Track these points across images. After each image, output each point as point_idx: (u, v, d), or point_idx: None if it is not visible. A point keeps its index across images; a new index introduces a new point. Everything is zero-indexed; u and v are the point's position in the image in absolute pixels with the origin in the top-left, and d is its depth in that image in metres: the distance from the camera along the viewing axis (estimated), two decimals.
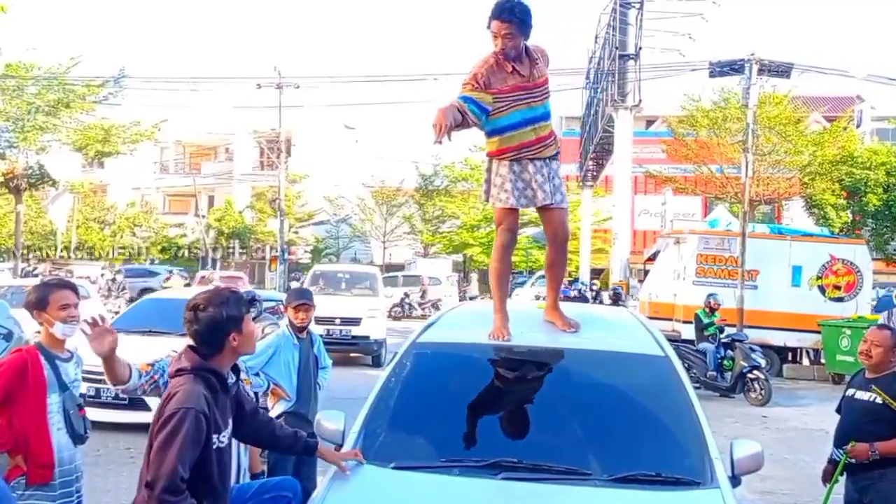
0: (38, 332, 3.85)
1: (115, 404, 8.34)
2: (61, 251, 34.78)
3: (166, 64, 62.78)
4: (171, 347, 3.61)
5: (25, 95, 28.89)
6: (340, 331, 14.78)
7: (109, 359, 3.29)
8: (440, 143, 3.64)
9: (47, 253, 35.75)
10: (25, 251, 33.02)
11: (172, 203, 51.50)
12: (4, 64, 22.97)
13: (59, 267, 27.66)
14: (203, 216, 44.50)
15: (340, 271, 18.80)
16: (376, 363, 14.80)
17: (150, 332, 9.26)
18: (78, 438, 3.65)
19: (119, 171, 41.77)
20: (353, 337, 14.95)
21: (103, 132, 31.85)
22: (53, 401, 3.57)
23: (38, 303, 3.66)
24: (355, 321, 14.88)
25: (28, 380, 3.51)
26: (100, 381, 6.97)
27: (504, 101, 3.96)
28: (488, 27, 3.93)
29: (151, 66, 70.35)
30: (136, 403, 7.92)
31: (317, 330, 6.18)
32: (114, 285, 24.62)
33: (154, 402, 7.34)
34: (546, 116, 4.12)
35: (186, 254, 44.64)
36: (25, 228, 33.99)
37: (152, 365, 3.34)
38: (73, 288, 3.78)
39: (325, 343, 13.96)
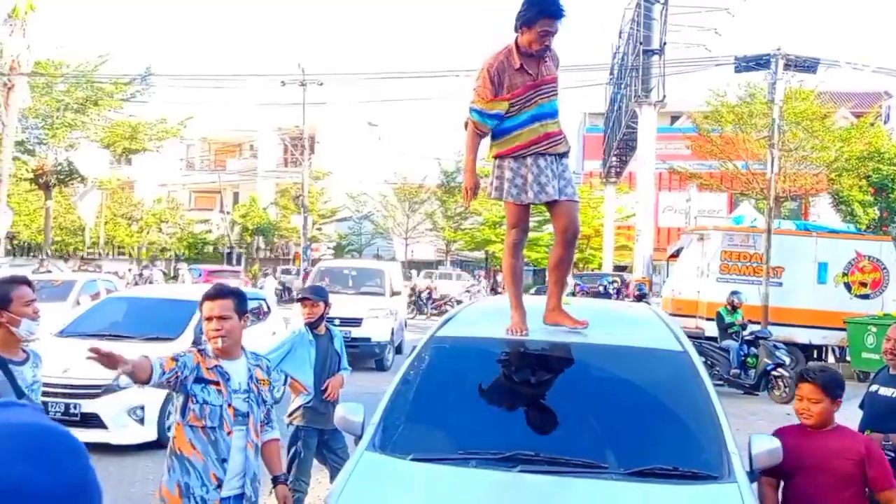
0: None
1: (64, 421, 7.30)
2: (90, 247, 35.29)
3: (192, 62, 63.43)
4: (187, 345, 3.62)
5: (54, 93, 29.37)
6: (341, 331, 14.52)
7: (127, 371, 3.22)
8: (468, 206, 3.85)
9: (75, 248, 36.30)
10: (55, 248, 33.55)
11: (198, 199, 52.02)
12: (34, 62, 23.31)
13: (87, 263, 28.10)
14: (228, 213, 44.90)
15: (346, 268, 17.51)
16: (380, 367, 14.05)
17: (110, 336, 8.40)
18: None
19: (146, 167, 42.27)
20: (353, 339, 13.37)
21: (130, 129, 32.30)
22: None
23: (1, 301, 3.44)
24: (355, 322, 13.66)
25: None
26: (48, 395, 6.57)
27: (515, 105, 4.00)
28: (529, 24, 3.89)
29: (177, 64, 71.07)
30: (89, 421, 7.39)
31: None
32: (141, 280, 24.94)
33: (116, 419, 7.37)
34: (554, 114, 4.12)
35: (212, 250, 45.13)
36: (55, 224, 34.55)
37: (176, 360, 3.31)
38: (31, 284, 3.65)
39: None
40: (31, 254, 34.73)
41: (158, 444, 7.76)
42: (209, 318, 3.40)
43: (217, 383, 3.36)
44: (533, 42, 3.92)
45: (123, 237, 40.82)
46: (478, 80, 4.04)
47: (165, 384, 3.30)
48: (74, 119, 30.09)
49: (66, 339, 8.27)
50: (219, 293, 3.49)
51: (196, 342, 7.87)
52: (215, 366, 3.39)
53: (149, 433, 7.76)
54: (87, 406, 7.47)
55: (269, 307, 11.36)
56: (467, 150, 4.08)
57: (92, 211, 32.21)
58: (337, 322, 13.92)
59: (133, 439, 7.64)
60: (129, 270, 27.11)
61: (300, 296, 5.56)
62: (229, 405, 3.36)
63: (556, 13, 3.87)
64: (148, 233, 42.45)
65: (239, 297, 3.53)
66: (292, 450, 5.29)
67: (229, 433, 3.35)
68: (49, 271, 19.84)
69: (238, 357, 3.50)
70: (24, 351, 3.60)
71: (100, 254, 35.86)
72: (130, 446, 7.63)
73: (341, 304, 13.82)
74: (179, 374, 3.29)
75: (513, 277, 4.23)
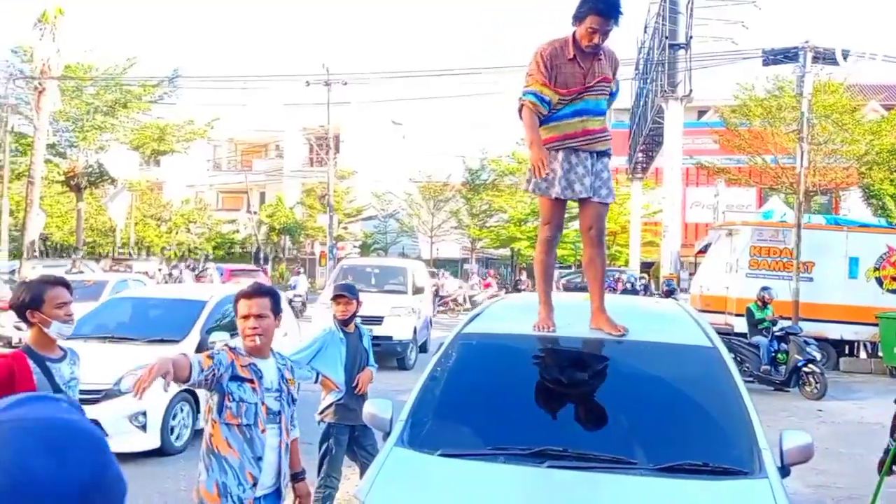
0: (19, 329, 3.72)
1: None
2: (120, 247, 35.76)
3: (219, 63, 63.94)
4: (222, 340, 3.66)
5: (84, 96, 29.80)
6: None
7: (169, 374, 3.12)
8: (541, 176, 3.83)
9: (107, 250, 36.80)
10: (88, 247, 34.03)
11: (225, 200, 52.51)
12: (64, 66, 23.67)
13: (118, 263, 28.49)
14: (255, 212, 45.26)
15: (369, 266, 17.49)
16: (402, 366, 14.02)
17: (113, 338, 8.33)
18: None
19: (174, 168, 42.74)
20: (375, 337, 13.02)
21: (159, 131, 32.69)
22: None
23: (33, 301, 3.45)
24: (377, 320, 13.35)
25: (16, 388, 3.18)
26: None
27: (564, 99, 3.99)
28: (580, 18, 3.88)
29: (204, 66, 71.70)
30: None
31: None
32: (171, 280, 25.23)
33: (117, 426, 7.02)
34: (598, 111, 4.07)
35: (239, 250, 45.52)
36: (86, 226, 35.05)
37: (213, 357, 3.31)
38: (68, 285, 3.67)
39: None
40: (64, 255, 35.25)
41: (160, 452, 7.58)
42: (246, 317, 3.40)
43: (252, 381, 3.36)
44: (583, 37, 3.90)
45: (153, 238, 41.31)
46: (531, 66, 4.01)
47: (204, 383, 3.29)
48: (104, 121, 30.52)
49: (66, 343, 8.16)
50: (256, 292, 3.51)
51: (202, 345, 7.85)
52: (249, 363, 3.39)
53: (151, 440, 7.49)
54: (87, 412, 7.33)
55: (278, 307, 11.05)
56: (528, 129, 3.94)
57: (122, 212, 32.64)
58: (359, 320, 13.83)
59: (134, 447, 7.29)
60: (160, 270, 27.44)
61: (335, 293, 5.56)
62: (263, 403, 3.37)
63: (606, 11, 3.83)
64: (177, 233, 42.91)
65: (275, 297, 3.57)
66: (324, 446, 5.33)
67: (263, 431, 3.36)
68: (81, 272, 20.14)
69: (268, 356, 3.51)
70: (61, 349, 3.62)
71: (130, 254, 36.28)
72: (134, 454, 7.27)
73: (363, 303, 14.14)
74: (217, 371, 3.29)
75: (543, 274, 4.21)
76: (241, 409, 3.32)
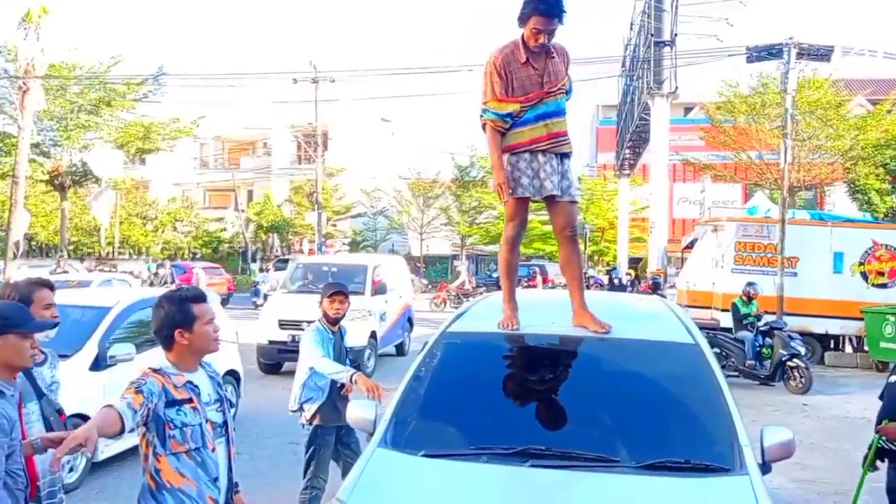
0: None
1: None
2: (105, 247, 35.58)
3: (204, 61, 63.66)
4: (146, 365, 3.17)
5: (68, 95, 29.60)
6: None
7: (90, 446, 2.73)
8: (504, 200, 4.00)
9: (90, 250, 36.62)
10: (72, 247, 33.85)
11: (212, 198, 52.31)
12: (48, 65, 23.48)
13: (103, 262, 28.34)
14: (242, 210, 45.14)
15: (326, 264, 15.73)
16: None
17: None
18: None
19: (160, 167, 42.52)
20: None
21: (144, 129, 32.50)
22: (31, 410, 3.27)
23: (22, 302, 3.41)
24: None
25: None
26: None
27: (526, 106, 4.02)
28: (523, 20, 3.90)
29: (190, 64, 71.31)
30: None
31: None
32: (157, 279, 25.11)
33: None
34: (560, 112, 4.12)
35: (227, 248, 45.38)
36: (70, 225, 34.86)
37: (142, 392, 2.94)
38: (53, 287, 3.67)
39: (289, 352, 12.18)
40: (48, 254, 35.05)
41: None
42: (210, 321, 3.19)
43: (190, 400, 3.07)
44: (529, 38, 3.93)
45: (138, 237, 41.11)
46: (485, 78, 4.03)
47: (141, 423, 2.95)
48: (88, 120, 30.34)
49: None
50: (205, 296, 3.31)
51: (100, 359, 7.11)
52: (185, 382, 3.10)
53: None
54: None
55: None
56: (491, 149, 4.06)
57: (106, 211, 32.47)
58: (304, 326, 12.30)
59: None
60: (149, 269, 27.32)
61: (330, 291, 5.44)
62: (207, 420, 3.12)
63: (548, 11, 3.83)
64: (163, 232, 42.72)
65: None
66: (311, 448, 5.31)
67: (213, 450, 3.12)
68: (66, 272, 20.00)
69: (197, 368, 3.22)
70: (42, 351, 3.58)
71: (111, 253, 36.13)
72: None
73: (310, 306, 12.25)
74: (150, 405, 2.95)
75: (508, 272, 4.26)
76: (187, 434, 3.03)
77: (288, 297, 14.03)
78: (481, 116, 4.07)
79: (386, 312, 14.37)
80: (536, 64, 4.00)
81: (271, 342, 13.13)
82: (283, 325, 13.03)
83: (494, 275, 35.90)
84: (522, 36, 3.98)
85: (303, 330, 11.66)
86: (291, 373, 5.88)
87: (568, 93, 4.20)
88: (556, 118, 4.09)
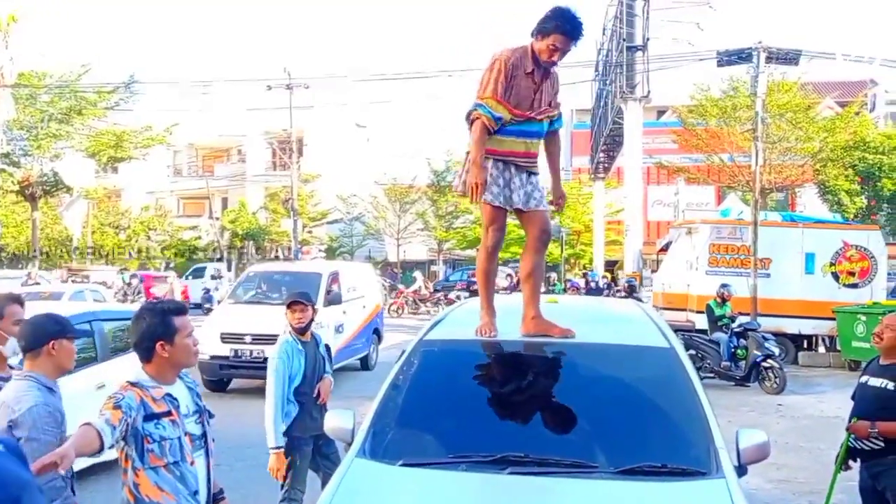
0: None
1: None
2: (76, 256, 35.13)
3: (177, 68, 63.16)
4: (124, 378, 3.13)
5: (38, 104, 29.27)
6: (251, 352, 11.69)
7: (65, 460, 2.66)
8: (477, 201, 3.96)
9: (63, 259, 36.11)
10: (44, 257, 33.37)
11: (186, 206, 51.82)
12: (17, 73, 23.20)
13: (75, 273, 27.97)
14: (217, 218, 44.76)
15: (278, 273, 14.91)
16: None
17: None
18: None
19: (133, 175, 42.04)
20: (266, 360, 9.37)
21: (115, 138, 32.20)
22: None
23: None
24: (270, 339, 9.92)
25: None
26: None
27: (515, 119, 4.01)
28: (544, 33, 3.90)
29: (162, 71, 70.68)
30: None
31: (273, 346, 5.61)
32: (129, 290, 24.82)
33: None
34: (540, 135, 4.14)
35: (202, 256, 44.96)
36: (42, 235, 34.37)
37: (120, 407, 2.90)
38: (23, 303, 3.60)
39: (232, 367, 11.78)
40: (20, 265, 34.55)
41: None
42: (190, 334, 3.16)
43: (169, 413, 3.04)
44: (542, 52, 3.93)
45: (111, 246, 40.64)
46: (489, 73, 3.97)
47: (121, 438, 2.92)
48: (59, 129, 30.01)
49: None
50: (186, 309, 3.30)
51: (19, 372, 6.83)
52: (164, 395, 3.07)
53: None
54: None
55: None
56: (475, 145, 3.92)
57: (78, 221, 32.05)
58: (248, 339, 11.70)
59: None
60: (123, 279, 26.99)
61: (289, 301, 5.41)
62: (186, 433, 3.10)
63: (572, 33, 3.89)
64: (136, 241, 42.27)
65: None
66: (288, 459, 5.26)
67: (192, 463, 3.10)
68: (37, 283, 19.72)
69: (175, 380, 3.19)
70: (11, 367, 3.52)
71: (86, 263, 35.66)
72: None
73: (253, 319, 12.03)
74: (129, 420, 2.90)
75: (486, 280, 4.24)
76: (165, 448, 3.00)
77: (233, 307, 13.10)
78: (474, 109, 3.97)
79: (343, 324, 13.37)
80: (537, 79, 4.01)
81: (213, 357, 11.80)
82: (226, 338, 11.92)
83: (451, 278, 36.01)
84: (532, 46, 3.97)
85: (246, 344, 11.76)
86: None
87: (554, 123, 4.19)
88: (535, 139, 4.12)
